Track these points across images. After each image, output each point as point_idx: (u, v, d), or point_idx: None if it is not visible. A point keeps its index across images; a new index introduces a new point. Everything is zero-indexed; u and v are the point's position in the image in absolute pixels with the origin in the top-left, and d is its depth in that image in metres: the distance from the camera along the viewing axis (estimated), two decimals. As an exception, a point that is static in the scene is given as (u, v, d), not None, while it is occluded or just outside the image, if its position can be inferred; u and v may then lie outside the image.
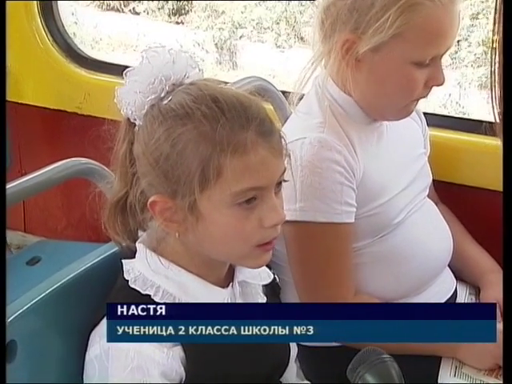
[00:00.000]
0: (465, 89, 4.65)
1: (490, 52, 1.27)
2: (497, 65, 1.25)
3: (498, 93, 1.26)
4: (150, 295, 1.15)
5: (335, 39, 1.47)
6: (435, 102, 4.41)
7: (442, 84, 1.49)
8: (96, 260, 1.26)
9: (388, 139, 1.58)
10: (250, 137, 1.11)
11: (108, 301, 1.17)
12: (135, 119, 1.16)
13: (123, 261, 1.19)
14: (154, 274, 1.16)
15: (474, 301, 1.68)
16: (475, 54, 4.64)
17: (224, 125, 1.10)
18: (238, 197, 1.11)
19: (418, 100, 1.52)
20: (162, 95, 1.14)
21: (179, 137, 1.11)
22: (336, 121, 1.50)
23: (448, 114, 3.53)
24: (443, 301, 1.61)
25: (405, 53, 1.44)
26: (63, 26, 2.54)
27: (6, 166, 1.30)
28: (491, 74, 1.27)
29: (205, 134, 1.10)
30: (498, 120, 1.28)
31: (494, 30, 1.25)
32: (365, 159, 1.50)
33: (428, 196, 1.68)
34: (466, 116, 4.03)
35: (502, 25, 1.21)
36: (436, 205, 1.71)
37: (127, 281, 1.17)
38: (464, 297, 1.67)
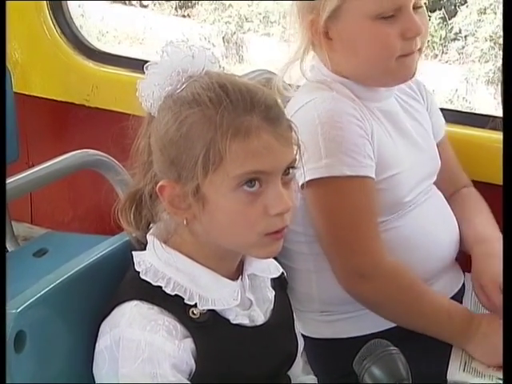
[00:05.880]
0: (472, 84, 4.64)
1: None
2: None
3: None
4: (161, 287, 1.15)
5: (304, 26, 1.53)
6: (442, 96, 4.41)
7: (419, 33, 1.47)
8: (103, 252, 1.26)
9: (392, 117, 1.58)
10: (253, 121, 1.11)
11: (119, 292, 1.17)
12: (155, 112, 1.17)
13: (133, 253, 1.19)
14: (165, 266, 1.16)
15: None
16: (482, 50, 4.63)
17: (227, 107, 1.10)
18: (241, 179, 1.11)
19: (409, 55, 1.49)
20: (178, 86, 1.15)
21: (185, 119, 1.12)
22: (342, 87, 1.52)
23: (454, 109, 3.52)
24: (450, 295, 1.60)
25: (361, 9, 1.45)
26: (71, 18, 2.54)
27: (5, 160, 1.30)
28: None
29: (209, 117, 1.11)
30: None
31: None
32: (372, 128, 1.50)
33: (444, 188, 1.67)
34: (472, 111, 4.03)
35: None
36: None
37: (138, 272, 1.17)
38: (471, 292, 1.65)
